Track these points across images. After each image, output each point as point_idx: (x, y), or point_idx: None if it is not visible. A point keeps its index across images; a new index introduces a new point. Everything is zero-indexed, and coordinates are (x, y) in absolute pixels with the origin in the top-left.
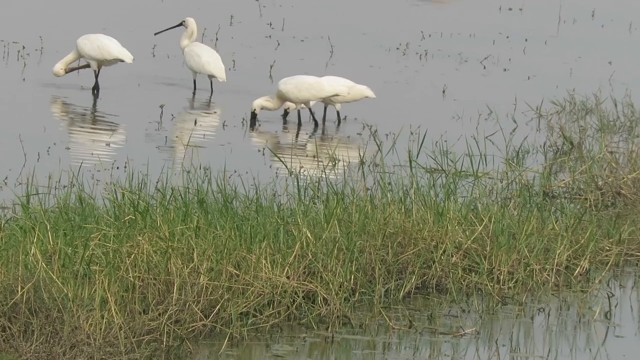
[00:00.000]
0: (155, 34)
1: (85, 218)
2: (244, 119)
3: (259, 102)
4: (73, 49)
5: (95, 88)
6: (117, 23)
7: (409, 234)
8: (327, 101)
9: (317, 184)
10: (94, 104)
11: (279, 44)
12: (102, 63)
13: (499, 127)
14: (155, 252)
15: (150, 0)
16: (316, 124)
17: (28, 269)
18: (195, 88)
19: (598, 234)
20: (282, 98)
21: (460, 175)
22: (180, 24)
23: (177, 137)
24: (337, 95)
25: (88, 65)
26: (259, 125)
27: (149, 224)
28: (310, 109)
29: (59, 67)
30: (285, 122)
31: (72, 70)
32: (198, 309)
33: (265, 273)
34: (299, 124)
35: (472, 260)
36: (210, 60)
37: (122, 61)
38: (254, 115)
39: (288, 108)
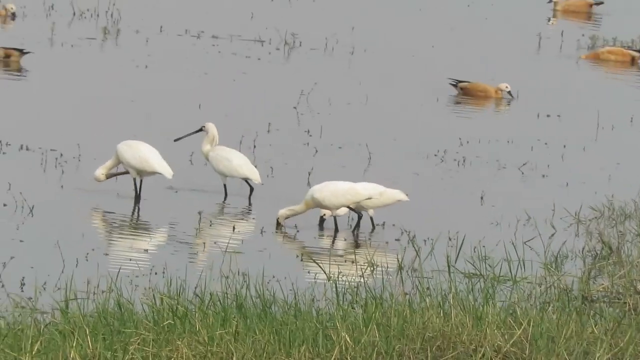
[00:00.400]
0: (175, 140)
1: (124, 323)
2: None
3: (283, 213)
4: (113, 154)
5: (137, 199)
6: (155, 130)
7: (447, 338)
8: (359, 207)
9: (355, 289)
10: (132, 211)
11: (316, 151)
12: (141, 173)
13: (538, 233)
14: (194, 357)
15: (187, 107)
16: (359, 217)
17: None
18: (226, 193)
19: (637, 338)
20: (316, 205)
21: (499, 280)
22: (200, 129)
23: (215, 243)
24: (370, 198)
25: (127, 172)
26: (297, 232)
27: (187, 329)
28: (350, 208)
29: (100, 172)
30: (321, 228)
31: (112, 176)
32: None
33: None
34: (336, 230)
35: None
36: (241, 163)
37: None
38: (278, 224)
39: (324, 215)
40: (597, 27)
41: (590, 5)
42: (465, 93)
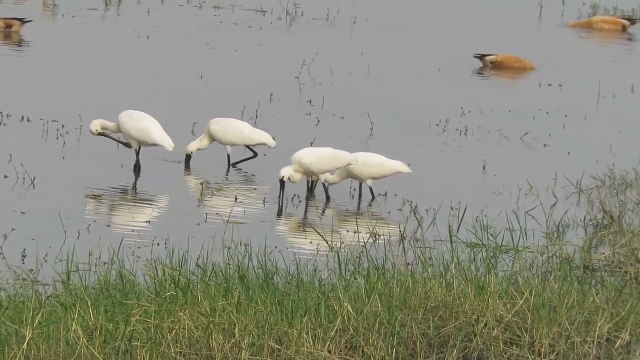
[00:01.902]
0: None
1: (126, 294)
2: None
3: (287, 171)
4: (116, 121)
5: (137, 167)
6: (158, 101)
7: (450, 308)
8: (355, 177)
9: (357, 259)
10: (134, 181)
11: (318, 121)
12: (141, 144)
13: (539, 202)
14: (197, 328)
15: (192, 79)
16: (310, 194)
17: (69, 345)
18: (229, 164)
19: (638, 307)
20: (304, 171)
21: (501, 250)
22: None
23: (217, 213)
24: (350, 164)
25: (129, 146)
26: (300, 201)
27: (189, 300)
28: (321, 183)
29: (95, 126)
30: (310, 197)
31: (104, 135)
32: None
33: (307, 347)
34: (327, 198)
35: (513, 334)
36: (251, 129)
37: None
38: (282, 184)
39: (316, 181)
40: None
41: None
42: (497, 66)
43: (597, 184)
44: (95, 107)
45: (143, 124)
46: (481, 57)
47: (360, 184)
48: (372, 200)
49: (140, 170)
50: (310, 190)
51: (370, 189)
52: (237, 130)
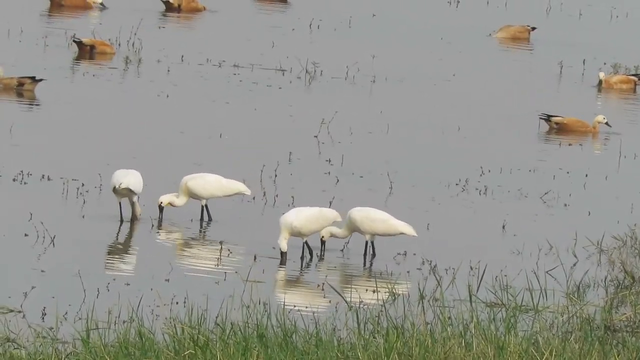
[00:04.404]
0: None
1: (145, 352)
2: (303, 254)
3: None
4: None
5: (132, 220)
6: (177, 160)
7: None
8: (358, 231)
9: (376, 318)
10: (153, 241)
11: (338, 180)
12: (118, 195)
13: (560, 262)
14: None
15: (209, 136)
16: (310, 254)
17: None
18: (205, 216)
19: None
20: (293, 233)
21: (521, 310)
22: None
23: (236, 272)
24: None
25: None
26: (319, 259)
27: (208, 359)
28: (306, 242)
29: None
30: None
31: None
32: None
33: None
34: (310, 254)
35: None
36: (228, 180)
37: (134, 193)
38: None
39: (322, 237)
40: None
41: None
42: (562, 128)
43: (618, 244)
44: (115, 166)
45: (113, 175)
46: (547, 118)
47: (369, 243)
48: (372, 257)
49: (134, 223)
50: (309, 249)
51: (367, 244)
52: (217, 182)
